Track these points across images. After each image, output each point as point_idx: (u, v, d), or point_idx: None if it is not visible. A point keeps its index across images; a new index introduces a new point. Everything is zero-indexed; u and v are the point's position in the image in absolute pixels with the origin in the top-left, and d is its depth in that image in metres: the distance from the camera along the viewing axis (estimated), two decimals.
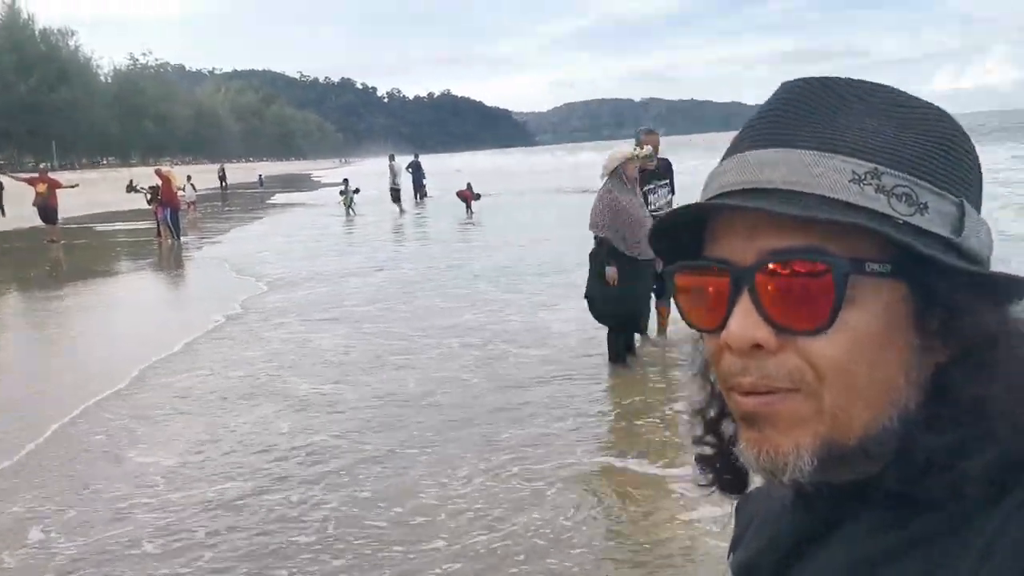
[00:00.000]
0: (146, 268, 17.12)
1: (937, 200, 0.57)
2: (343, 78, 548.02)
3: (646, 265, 6.88)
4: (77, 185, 24.28)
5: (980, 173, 0.62)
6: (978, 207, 0.60)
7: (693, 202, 0.61)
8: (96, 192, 36.26)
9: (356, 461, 5.28)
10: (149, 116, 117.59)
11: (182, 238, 21.13)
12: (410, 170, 32.22)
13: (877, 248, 0.56)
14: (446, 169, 55.81)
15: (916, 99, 0.61)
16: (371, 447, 5.54)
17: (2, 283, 14.99)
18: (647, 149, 7.17)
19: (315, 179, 72.83)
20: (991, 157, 29.74)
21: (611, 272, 6.74)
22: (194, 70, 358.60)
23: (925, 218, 0.56)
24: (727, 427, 0.68)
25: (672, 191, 7.75)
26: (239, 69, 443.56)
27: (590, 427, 5.75)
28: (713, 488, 0.71)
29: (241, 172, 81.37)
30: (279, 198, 43.18)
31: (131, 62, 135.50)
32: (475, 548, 4.01)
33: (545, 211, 25.07)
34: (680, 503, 4.39)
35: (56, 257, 18.91)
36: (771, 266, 0.57)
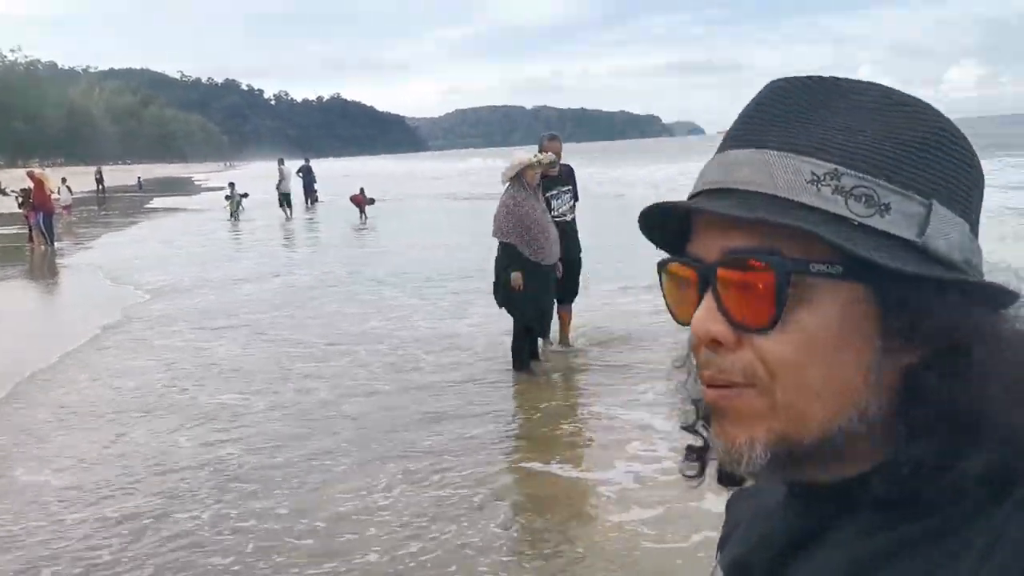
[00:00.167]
0: (17, 276, 16.06)
1: (902, 201, 0.56)
2: (227, 79, 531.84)
3: (549, 270, 6.89)
4: None
5: (972, 175, 0.60)
6: (965, 209, 0.59)
7: (666, 201, 0.63)
8: None
9: (269, 475, 5.05)
10: (17, 116, 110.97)
11: (56, 244, 19.91)
12: (300, 174, 31.52)
13: (830, 249, 0.56)
14: (336, 174, 54.98)
15: (909, 98, 0.60)
16: (283, 459, 5.31)
17: None
18: (549, 155, 7.17)
19: (198, 183, 70.33)
20: None
21: (516, 277, 6.72)
22: (67, 68, 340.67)
23: (885, 219, 0.56)
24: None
25: (575, 197, 7.77)
26: (116, 68, 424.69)
27: (507, 433, 5.69)
28: (700, 480, 0.71)
29: (119, 175, 77.84)
30: (160, 202, 41.38)
31: None
32: (409, 560, 3.88)
33: (440, 217, 25.00)
34: (609, 506, 4.37)
35: None
36: (727, 264, 0.58)
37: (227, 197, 27.43)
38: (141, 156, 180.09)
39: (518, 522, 4.27)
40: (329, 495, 4.71)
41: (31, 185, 20.37)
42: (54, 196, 22.28)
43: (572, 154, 7.55)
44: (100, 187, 52.42)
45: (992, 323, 0.57)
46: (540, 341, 7.37)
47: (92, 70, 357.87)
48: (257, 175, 48.16)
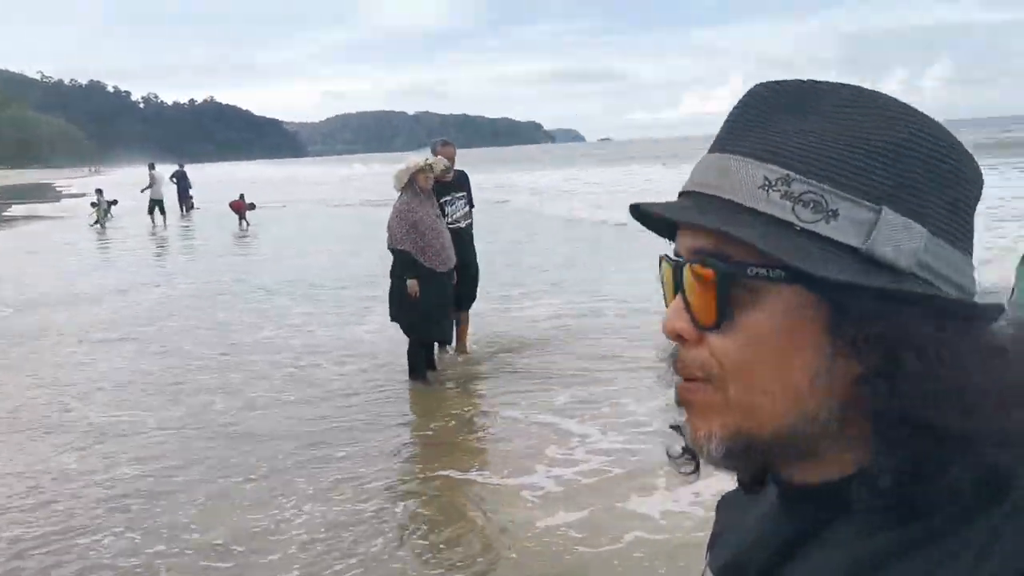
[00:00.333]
0: None
1: (851, 207, 0.57)
2: (92, 80, 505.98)
3: (446, 276, 6.82)
4: None
5: (943, 182, 0.59)
6: (928, 216, 0.58)
7: (639, 203, 0.64)
8: None
9: (172, 497, 4.76)
10: None
11: None
12: (174, 180, 30.25)
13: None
14: (211, 179, 53.09)
15: (882, 103, 0.59)
16: (184, 479, 5.02)
17: None
18: (442, 160, 7.10)
19: (59, 189, 66.39)
20: None
21: (412, 285, 6.61)
22: None
23: (830, 225, 0.56)
24: None
25: (470, 203, 7.71)
26: None
27: (421, 442, 5.59)
28: (696, 476, 0.71)
29: None
30: (17, 210, 38.75)
31: None
32: None
33: (325, 223, 24.51)
34: (535, 511, 4.33)
35: None
36: (692, 264, 0.61)
37: (93, 204, 25.94)
38: None
39: (445, 532, 4.16)
40: (239, 515, 4.48)
41: None
42: None
43: (456, 160, 7.51)
44: None
45: (935, 334, 0.56)
46: (436, 349, 7.27)
47: None
48: (125, 181, 45.85)
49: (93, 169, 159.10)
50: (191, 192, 30.90)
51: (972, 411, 0.55)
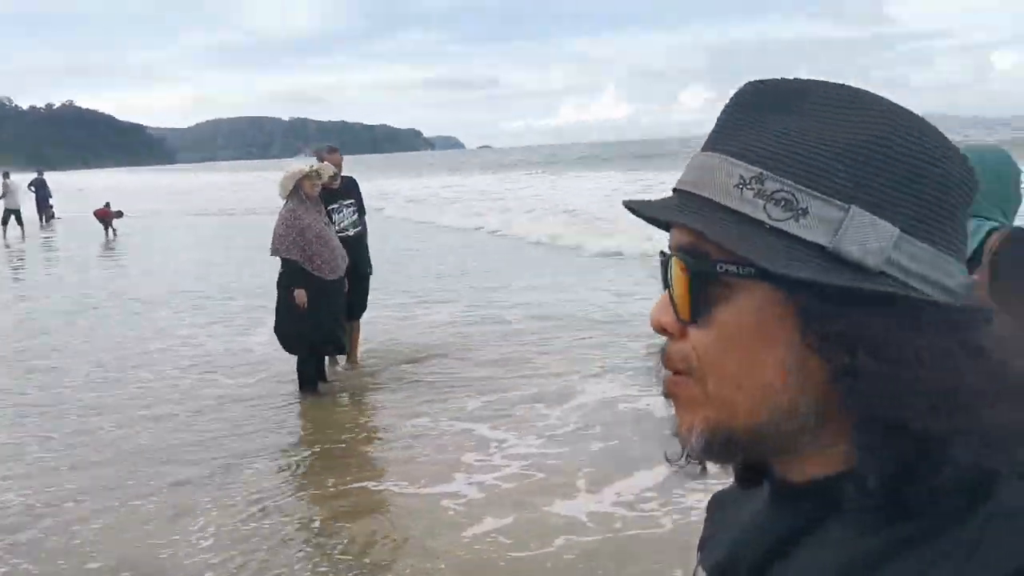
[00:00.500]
0: None
1: (820, 206, 0.57)
2: None
3: (337, 285, 6.66)
4: None
5: (921, 181, 0.58)
6: (902, 215, 0.58)
7: (627, 200, 0.66)
8: None
9: (67, 526, 4.42)
10: None
11: None
12: (33, 188, 28.47)
13: None
14: (71, 188, 50.34)
15: (863, 101, 0.60)
16: (74, 505, 4.69)
17: None
18: (328, 166, 6.94)
19: None
20: (610, 183, 33.62)
21: (300, 295, 6.41)
22: None
23: (800, 223, 0.57)
24: None
25: (361, 210, 7.56)
26: None
27: (327, 454, 5.41)
28: (704, 475, 0.70)
29: None
30: None
31: None
32: None
33: (201, 232, 23.61)
34: (460, 519, 4.26)
35: None
36: (673, 259, 0.62)
37: None
38: None
39: (369, 545, 4.04)
40: (142, 539, 4.22)
41: None
42: None
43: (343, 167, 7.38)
44: None
45: (899, 332, 0.56)
46: (327, 361, 7.09)
47: None
48: None
49: None
50: (51, 201, 29.14)
51: (942, 411, 0.55)
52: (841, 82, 0.61)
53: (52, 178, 35.33)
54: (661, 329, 0.63)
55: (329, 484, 4.88)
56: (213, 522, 4.40)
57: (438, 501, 4.52)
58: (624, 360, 7.02)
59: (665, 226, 0.65)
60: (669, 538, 3.92)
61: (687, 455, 0.66)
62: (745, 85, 0.64)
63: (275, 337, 6.72)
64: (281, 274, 6.59)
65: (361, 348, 7.64)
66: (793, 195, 0.58)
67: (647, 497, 4.35)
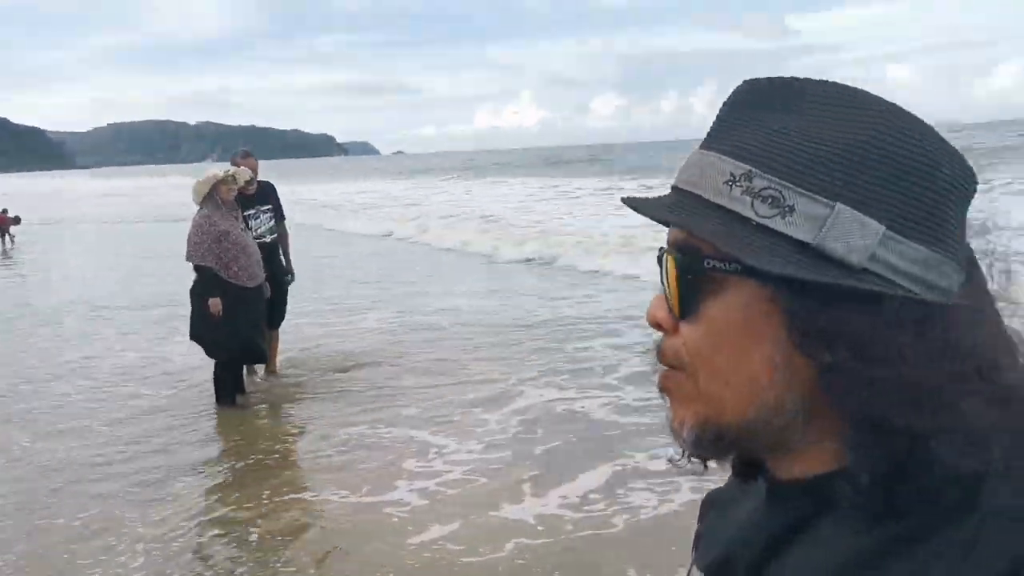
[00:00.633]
0: None
1: (806, 203, 0.57)
2: None
3: (255, 292, 6.50)
4: None
5: (911, 179, 0.57)
6: (888, 214, 0.57)
7: (626, 197, 0.66)
8: None
9: None
10: None
11: None
12: None
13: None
14: None
15: (855, 100, 0.59)
16: None
17: None
18: (245, 171, 6.77)
19: None
20: (524, 189, 33.87)
21: (215, 304, 6.22)
22: None
23: (785, 221, 0.57)
24: None
25: (280, 215, 7.36)
26: None
27: (260, 466, 5.23)
28: (705, 471, 0.71)
29: None
30: None
31: None
32: None
33: (109, 239, 22.74)
34: (405, 527, 4.17)
35: None
36: (666, 255, 0.63)
37: None
38: None
39: (314, 556, 3.92)
40: (67, 562, 4.00)
41: None
42: None
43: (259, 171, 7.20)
44: None
45: (881, 331, 0.56)
46: (244, 371, 6.88)
47: None
48: None
49: None
50: None
51: (926, 409, 0.55)
52: (836, 81, 0.61)
53: None
54: (656, 324, 0.64)
55: (264, 496, 4.73)
56: (142, 539, 4.21)
57: (381, 509, 4.43)
58: (560, 364, 7.05)
59: (665, 223, 0.65)
60: (621, 537, 3.94)
61: (687, 454, 0.67)
62: (743, 83, 0.64)
63: (194, 345, 6.51)
64: (195, 282, 6.38)
65: (281, 357, 7.45)
66: (780, 192, 0.58)
67: (593, 498, 4.35)
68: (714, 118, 0.64)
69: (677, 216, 0.61)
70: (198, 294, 6.33)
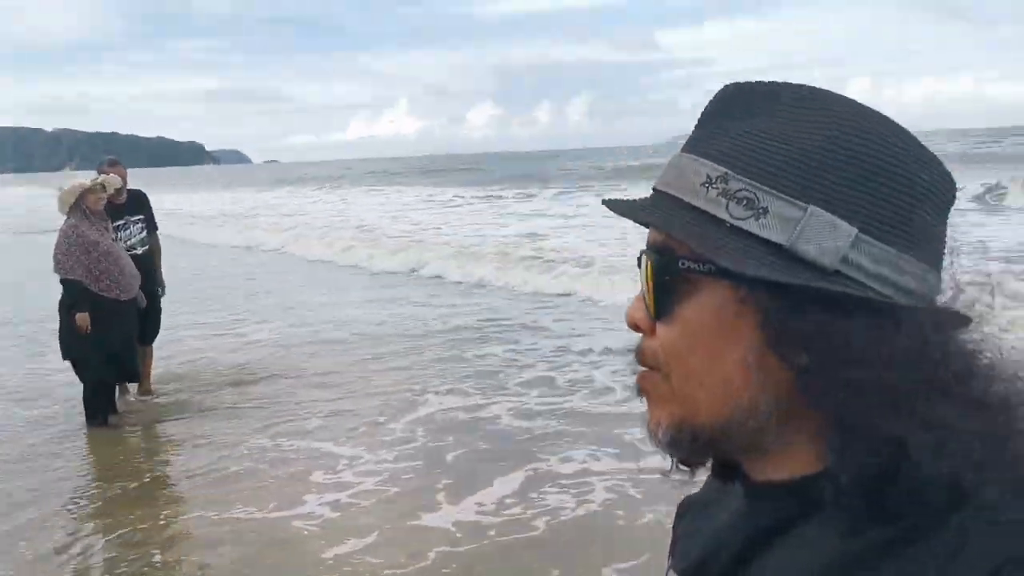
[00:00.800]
0: None
1: (781, 205, 0.58)
2: None
3: (128, 306, 6.22)
4: None
5: (884, 183, 0.58)
6: (858, 216, 0.57)
7: (610, 199, 0.66)
8: None
9: None
10: None
11: None
12: None
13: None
14: None
15: (830, 103, 0.60)
16: None
17: None
18: (115, 179, 6.46)
19: None
20: (400, 198, 33.62)
21: (82, 319, 5.91)
22: None
23: (759, 223, 0.58)
24: None
25: (153, 226, 7.02)
26: None
27: (156, 486, 5.01)
28: (692, 476, 0.72)
29: None
30: None
31: None
32: None
33: None
34: (319, 541, 4.03)
35: None
36: (644, 256, 0.64)
37: None
38: None
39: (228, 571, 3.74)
40: None
41: None
42: None
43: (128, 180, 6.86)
44: None
45: (850, 333, 0.56)
46: (116, 390, 6.52)
47: None
48: None
49: None
50: None
51: (901, 412, 0.55)
52: (812, 85, 0.62)
53: None
54: (634, 325, 0.64)
55: (162, 517, 4.49)
56: (26, 571, 3.91)
57: (291, 523, 4.28)
58: (461, 371, 7.02)
59: (643, 224, 0.65)
60: (544, 539, 3.95)
61: (675, 463, 0.67)
62: (723, 87, 0.64)
63: (65, 364, 6.13)
64: (63, 295, 6.03)
65: (158, 371, 7.12)
66: (755, 194, 0.58)
67: (509, 503, 4.35)
68: (696, 122, 0.65)
69: (652, 216, 0.61)
70: (67, 308, 5.98)
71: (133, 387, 6.83)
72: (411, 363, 7.38)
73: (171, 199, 37.22)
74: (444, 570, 3.67)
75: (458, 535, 4.01)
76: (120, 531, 4.31)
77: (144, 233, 6.90)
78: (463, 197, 31.48)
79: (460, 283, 12.07)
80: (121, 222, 6.69)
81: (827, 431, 0.58)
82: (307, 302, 10.98)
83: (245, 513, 4.46)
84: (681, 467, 0.72)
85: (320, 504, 4.49)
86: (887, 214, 0.57)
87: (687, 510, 0.78)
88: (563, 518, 4.14)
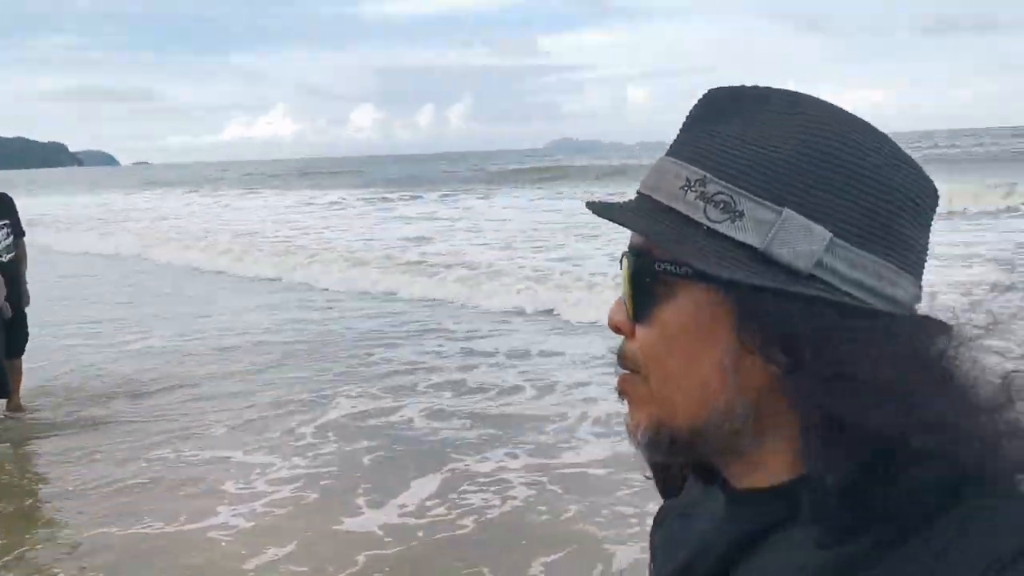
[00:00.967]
0: None
1: (755, 208, 0.58)
2: None
3: None
4: None
5: (860, 188, 0.58)
6: (832, 220, 0.58)
7: (592, 201, 0.66)
8: None
9: None
10: None
11: None
12: None
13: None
14: None
15: (808, 108, 0.61)
16: None
17: None
18: None
19: None
20: (279, 200, 32.87)
21: None
22: None
23: (735, 225, 0.59)
24: None
25: (19, 231, 6.58)
26: None
27: (50, 505, 4.75)
28: (679, 491, 0.75)
29: None
30: None
31: None
32: None
33: None
34: (238, 553, 3.92)
35: None
36: (623, 259, 0.66)
37: None
38: None
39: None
40: None
41: None
42: None
43: None
44: None
45: (824, 336, 0.56)
46: None
47: None
48: None
49: None
50: None
51: (877, 415, 0.55)
52: (794, 90, 0.62)
53: None
54: (615, 328, 0.65)
55: (63, 537, 4.26)
56: None
57: (205, 535, 4.14)
58: (369, 374, 6.94)
59: (623, 226, 0.66)
60: (472, 539, 3.97)
61: (651, 473, 0.69)
62: (707, 92, 0.65)
63: None
64: None
65: (35, 385, 6.73)
66: (731, 197, 0.59)
67: (432, 504, 4.34)
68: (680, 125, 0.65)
69: (631, 219, 0.62)
70: None
71: (1, 404, 6.34)
72: (315, 369, 7.23)
73: (33, 203, 35.05)
74: (376, 574, 3.63)
75: (385, 539, 3.98)
76: (18, 551, 4.06)
77: (10, 239, 6.46)
78: (347, 199, 31.05)
79: (354, 289, 11.83)
80: None
81: (806, 433, 0.58)
82: (191, 311, 10.48)
83: (153, 528, 4.28)
84: (648, 476, 0.76)
85: (234, 515, 4.35)
86: (864, 220, 0.58)
87: (665, 516, 0.77)
88: (489, 516, 4.17)
